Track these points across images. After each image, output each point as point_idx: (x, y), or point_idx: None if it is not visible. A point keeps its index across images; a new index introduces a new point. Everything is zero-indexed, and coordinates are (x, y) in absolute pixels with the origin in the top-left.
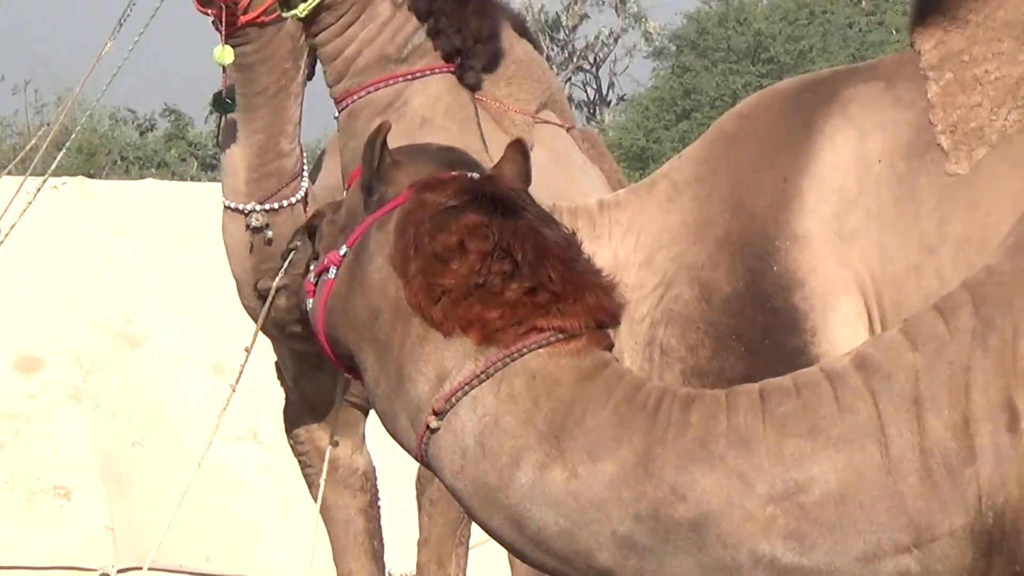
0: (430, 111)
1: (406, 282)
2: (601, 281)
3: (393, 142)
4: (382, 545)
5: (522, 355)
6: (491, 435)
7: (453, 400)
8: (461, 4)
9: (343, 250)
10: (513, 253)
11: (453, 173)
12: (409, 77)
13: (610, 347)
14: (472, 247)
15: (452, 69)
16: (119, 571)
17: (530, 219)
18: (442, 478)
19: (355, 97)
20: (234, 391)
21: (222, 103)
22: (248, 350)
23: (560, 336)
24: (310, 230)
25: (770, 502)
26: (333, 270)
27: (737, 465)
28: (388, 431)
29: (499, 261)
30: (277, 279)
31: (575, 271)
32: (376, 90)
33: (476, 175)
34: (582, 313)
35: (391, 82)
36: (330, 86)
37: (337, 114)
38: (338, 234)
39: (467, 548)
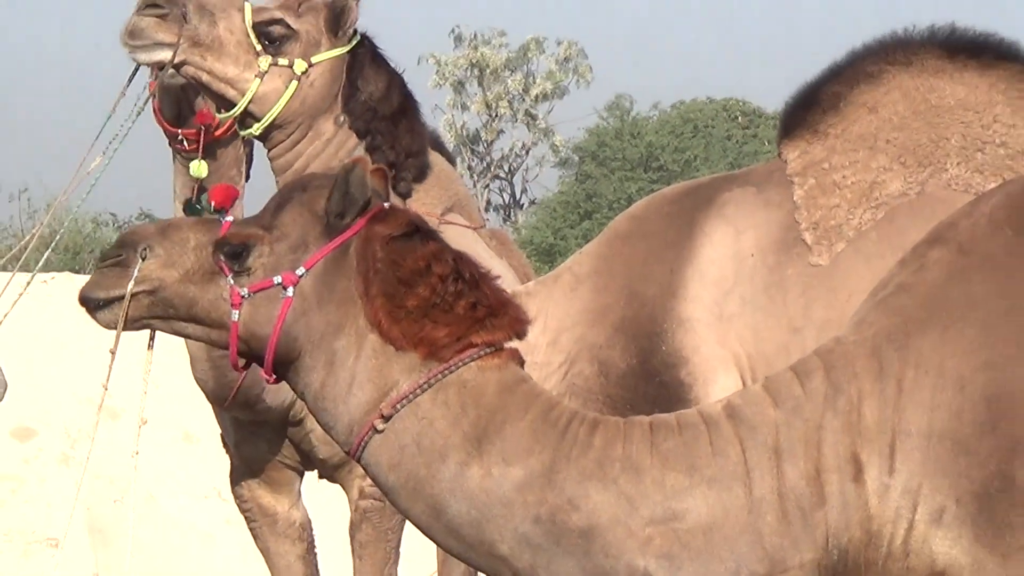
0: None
1: (368, 302)
2: (512, 297)
3: None
4: None
5: (458, 368)
6: (426, 435)
7: (398, 406)
8: (394, 124)
9: (300, 271)
10: (462, 274)
11: (393, 206)
12: None
13: (522, 363)
14: (436, 270)
15: (385, 176)
16: None
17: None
18: (375, 472)
19: None
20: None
21: (193, 208)
22: (113, 352)
23: (488, 350)
24: (230, 249)
25: (650, 524)
26: (290, 289)
27: (626, 489)
28: (326, 430)
29: (453, 282)
30: (129, 287)
31: (498, 288)
32: None
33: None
34: (506, 326)
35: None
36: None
37: None
38: (286, 256)
39: None
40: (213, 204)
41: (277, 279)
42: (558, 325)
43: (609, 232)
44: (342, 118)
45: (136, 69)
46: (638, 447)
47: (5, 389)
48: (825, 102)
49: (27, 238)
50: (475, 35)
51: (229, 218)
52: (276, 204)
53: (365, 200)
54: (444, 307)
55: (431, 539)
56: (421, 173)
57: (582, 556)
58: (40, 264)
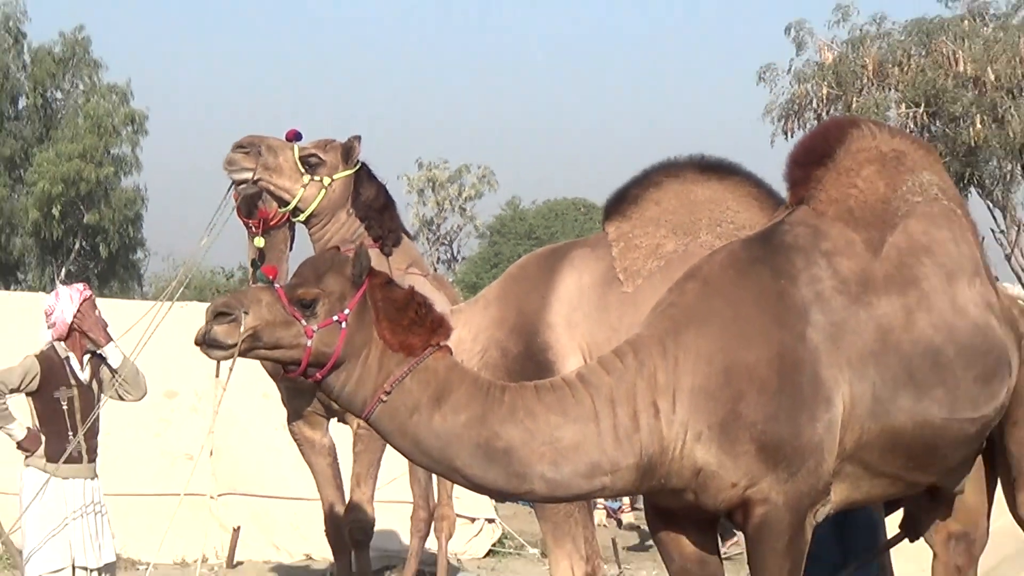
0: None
1: (378, 324)
2: (446, 315)
3: None
4: (342, 483)
5: (424, 359)
6: (409, 399)
7: (395, 383)
8: (381, 214)
9: (346, 311)
10: (424, 303)
11: (377, 268)
12: None
13: (451, 352)
14: (413, 302)
15: (377, 246)
16: None
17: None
18: (378, 425)
19: None
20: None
21: (255, 264)
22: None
23: (439, 347)
24: (305, 302)
25: (542, 445)
26: (343, 323)
27: (528, 425)
28: (345, 403)
29: (421, 309)
30: (240, 335)
31: (439, 311)
32: None
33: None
34: (446, 332)
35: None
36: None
37: None
38: (336, 304)
39: (375, 479)
40: (267, 275)
41: (335, 318)
42: (477, 328)
43: (506, 274)
44: (351, 211)
45: (231, 184)
46: (531, 400)
47: (144, 393)
48: (629, 199)
49: (172, 283)
50: (429, 162)
51: (277, 284)
52: (315, 272)
53: (369, 266)
54: (418, 323)
55: (410, 460)
56: (397, 241)
57: (506, 465)
58: (177, 295)
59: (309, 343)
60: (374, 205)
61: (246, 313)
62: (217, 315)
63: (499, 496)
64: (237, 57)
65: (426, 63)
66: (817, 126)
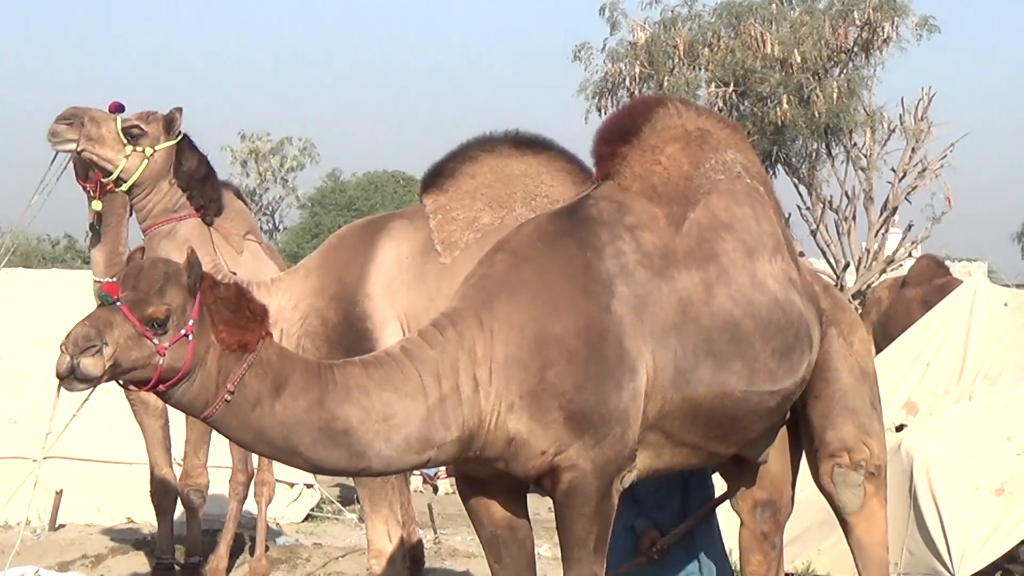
0: (189, 235)
1: (213, 327)
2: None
3: (170, 254)
4: (171, 446)
5: (259, 351)
6: (250, 393)
7: (236, 381)
8: (202, 183)
9: (191, 322)
10: (252, 298)
11: (205, 272)
12: (177, 219)
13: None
14: (244, 301)
15: (200, 215)
16: None
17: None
18: (220, 424)
19: (152, 230)
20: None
21: (94, 228)
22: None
23: (266, 336)
24: (157, 321)
25: (377, 422)
26: (191, 335)
27: (363, 403)
28: (184, 409)
29: (250, 305)
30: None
31: (257, 299)
32: (162, 225)
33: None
34: (268, 322)
35: (169, 222)
36: (140, 223)
37: (143, 237)
38: (181, 317)
39: (209, 444)
40: (110, 295)
41: (182, 332)
42: (298, 296)
43: (326, 244)
44: (173, 181)
45: (55, 155)
46: (362, 378)
47: None
48: (446, 172)
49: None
50: (252, 134)
51: (118, 303)
52: (153, 286)
53: (202, 272)
54: (250, 320)
55: (249, 450)
56: (219, 211)
57: (347, 447)
58: (3, 263)
59: (161, 361)
60: (196, 175)
61: (105, 343)
62: (82, 348)
63: (337, 475)
64: (55, 21)
65: (248, 33)
66: (625, 104)
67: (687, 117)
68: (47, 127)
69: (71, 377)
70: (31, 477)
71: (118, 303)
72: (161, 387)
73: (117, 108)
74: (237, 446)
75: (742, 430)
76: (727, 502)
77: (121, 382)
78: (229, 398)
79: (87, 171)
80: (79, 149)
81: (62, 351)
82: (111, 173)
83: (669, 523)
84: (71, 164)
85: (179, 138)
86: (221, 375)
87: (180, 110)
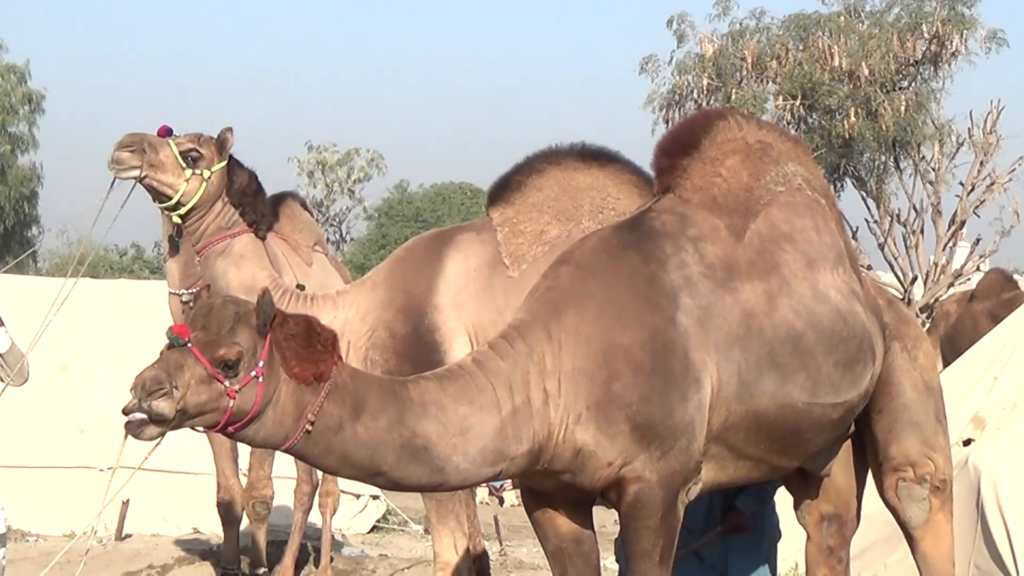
0: (244, 251)
1: (285, 365)
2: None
3: (227, 271)
4: (237, 456)
5: (334, 378)
6: (331, 420)
7: (316, 412)
8: (253, 199)
9: (261, 364)
10: (323, 331)
11: (279, 310)
12: (231, 236)
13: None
14: (314, 336)
15: (252, 230)
16: None
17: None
18: (305, 453)
19: (207, 249)
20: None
21: (173, 240)
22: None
23: (339, 362)
24: (228, 363)
25: (455, 436)
26: (261, 377)
27: (440, 418)
28: (263, 445)
29: (321, 338)
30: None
31: (327, 326)
32: (216, 244)
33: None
34: (339, 348)
35: (223, 240)
36: (193, 244)
37: (198, 258)
38: (251, 359)
39: (274, 456)
40: (181, 337)
41: (252, 374)
42: (366, 309)
43: (394, 256)
44: (225, 199)
45: (113, 181)
46: (437, 393)
47: (26, 380)
48: (513, 185)
49: (73, 262)
50: (319, 145)
51: (189, 344)
52: (223, 326)
53: (274, 313)
54: (322, 352)
55: (333, 474)
56: (270, 225)
57: (428, 462)
58: (81, 273)
59: (231, 404)
60: (247, 191)
61: (175, 387)
62: (151, 392)
63: (416, 491)
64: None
65: (316, 47)
66: (686, 117)
67: (748, 130)
68: (109, 154)
69: (142, 423)
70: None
71: (189, 344)
72: (231, 429)
73: (167, 132)
74: None
75: (805, 443)
76: (793, 515)
77: (191, 426)
78: (310, 428)
79: None
80: (142, 175)
81: (132, 395)
82: (171, 198)
83: (696, 526)
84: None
85: (228, 157)
86: (299, 407)
87: (231, 130)
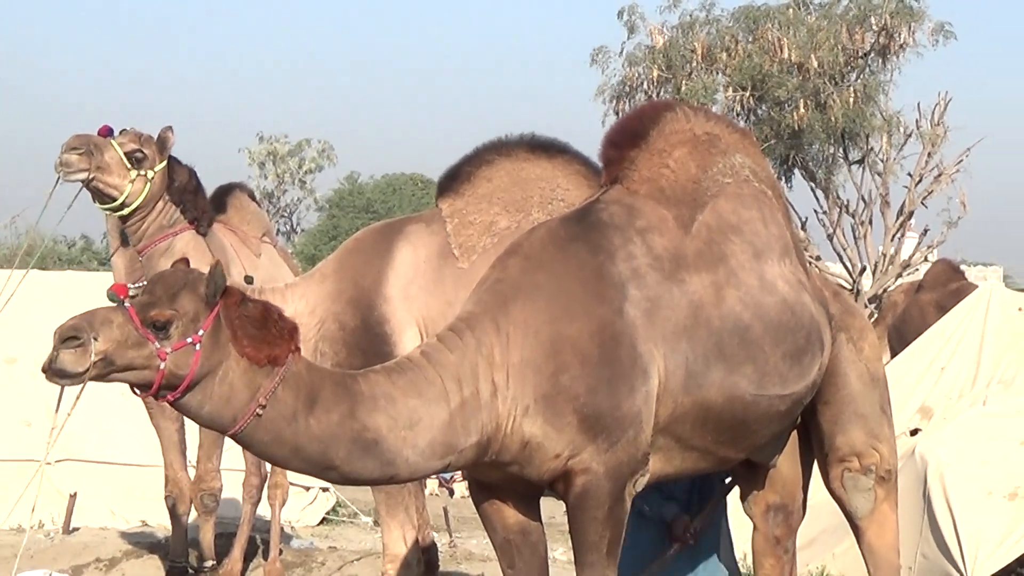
0: (186, 249)
1: (236, 343)
2: (292, 319)
3: (167, 265)
4: (186, 449)
5: (289, 365)
6: (284, 408)
7: (268, 396)
8: (193, 196)
9: (200, 332)
10: (280, 315)
11: (231, 285)
12: (173, 235)
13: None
14: (271, 318)
15: (193, 228)
16: None
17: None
18: (251, 441)
19: (149, 249)
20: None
21: (125, 234)
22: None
23: (295, 351)
24: (158, 324)
25: (404, 429)
26: (198, 345)
27: (389, 411)
28: (209, 424)
29: (279, 321)
30: (91, 360)
31: (287, 315)
32: (159, 243)
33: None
34: (298, 338)
35: (165, 239)
36: (135, 244)
37: (141, 258)
38: (190, 325)
39: (222, 448)
40: (117, 294)
41: (189, 340)
42: (315, 301)
43: (343, 248)
44: (167, 198)
45: (57, 181)
46: (387, 386)
47: None
48: (463, 176)
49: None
50: (270, 136)
51: (128, 304)
52: (168, 292)
53: (224, 285)
54: (277, 336)
55: (283, 467)
56: (211, 222)
57: (378, 456)
58: (31, 264)
59: (162, 365)
60: (188, 189)
61: (96, 338)
62: (65, 339)
63: (366, 485)
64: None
65: (267, 35)
66: (634, 109)
67: (695, 121)
68: (56, 158)
69: (50, 371)
70: (39, 479)
71: (125, 303)
72: (169, 396)
73: (108, 132)
74: None
75: (752, 434)
76: (740, 506)
77: (136, 390)
78: (261, 412)
79: None
80: (89, 178)
81: (53, 343)
82: (115, 199)
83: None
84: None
85: (168, 156)
86: (250, 389)
87: (171, 129)
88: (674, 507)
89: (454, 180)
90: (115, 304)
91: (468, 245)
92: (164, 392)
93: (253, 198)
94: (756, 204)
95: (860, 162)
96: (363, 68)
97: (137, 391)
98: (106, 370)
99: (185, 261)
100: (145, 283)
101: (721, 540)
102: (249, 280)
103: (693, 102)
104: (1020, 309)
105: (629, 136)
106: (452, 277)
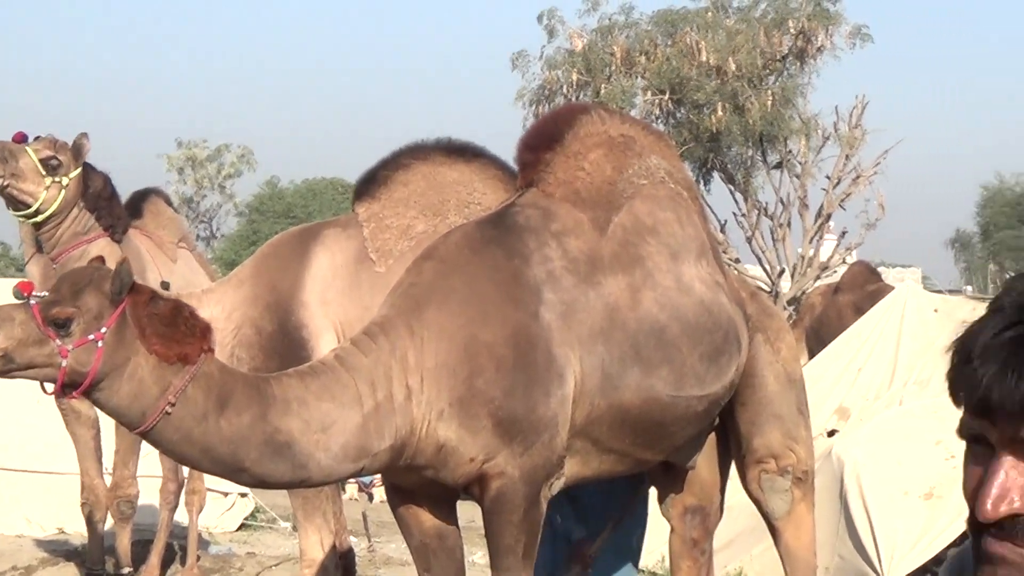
0: (101, 256)
1: (144, 340)
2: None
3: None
4: (102, 456)
5: (201, 365)
6: (194, 407)
7: (178, 394)
8: (108, 202)
9: (103, 330)
10: (191, 313)
11: (138, 283)
12: (87, 242)
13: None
14: (181, 315)
15: (108, 234)
16: None
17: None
18: (160, 439)
19: (63, 256)
20: None
21: (39, 242)
22: None
23: (208, 352)
24: (59, 322)
25: (317, 433)
26: (100, 342)
27: (302, 415)
28: (119, 419)
29: (190, 319)
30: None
31: (201, 315)
32: (72, 251)
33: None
34: (212, 337)
35: (79, 246)
36: (48, 252)
37: (55, 265)
38: (92, 323)
39: (138, 455)
40: (22, 292)
41: (91, 337)
42: (231, 307)
43: (259, 253)
44: (81, 204)
45: None
46: (299, 390)
47: None
48: (379, 180)
49: None
50: (189, 141)
51: (33, 301)
52: (73, 289)
53: (130, 282)
54: (187, 334)
55: (192, 467)
56: (126, 228)
57: (290, 458)
58: None
59: (64, 363)
60: (103, 196)
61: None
62: None
63: (278, 488)
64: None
65: (186, 39)
66: (549, 112)
67: (611, 124)
68: None
69: None
70: None
71: (30, 301)
72: (75, 392)
73: (23, 139)
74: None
75: (670, 436)
76: (658, 508)
77: (45, 388)
78: (170, 410)
79: None
80: (3, 185)
81: None
82: (29, 206)
83: (597, 526)
84: None
85: (82, 163)
86: (159, 386)
87: (86, 135)
88: (583, 530)
89: (370, 184)
90: (20, 302)
91: (385, 249)
92: (69, 389)
93: (169, 203)
94: (672, 206)
95: (779, 165)
96: (283, 72)
97: (45, 389)
98: (7, 367)
99: (100, 259)
100: (57, 278)
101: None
102: (165, 286)
103: (612, 105)
104: (936, 311)
105: (544, 139)
106: (369, 281)
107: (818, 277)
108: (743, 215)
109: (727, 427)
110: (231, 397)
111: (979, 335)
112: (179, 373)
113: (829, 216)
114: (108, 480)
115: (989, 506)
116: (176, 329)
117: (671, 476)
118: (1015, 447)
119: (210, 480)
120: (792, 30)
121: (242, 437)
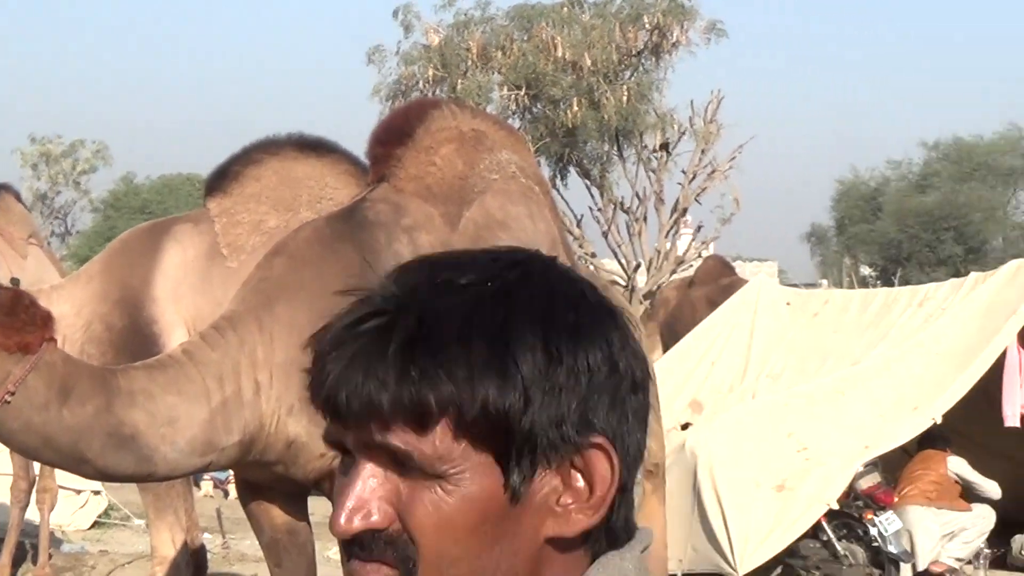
0: None
1: None
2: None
3: None
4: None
5: (42, 354)
6: (35, 398)
7: (18, 383)
8: None
9: None
10: (32, 303)
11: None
12: None
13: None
14: (21, 304)
15: None
16: None
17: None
18: (6, 426)
19: None
20: None
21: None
22: None
23: (50, 341)
24: None
25: (163, 426)
26: None
27: (149, 408)
28: None
29: (31, 308)
30: None
31: (42, 305)
32: None
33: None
34: (53, 327)
35: None
36: None
37: None
38: None
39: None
40: None
41: None
42: (80, 303)
43: (109, 249)
44: None
45: None
46: (146, 383)
47: None
48: (230, 175)
49: None
50: (43, 137)
51: None
52: None
53: None
54: (27, 323)
55: (33, 458)
56: None
57: (135, 451)
58: None
59: None
60: None
61: None
62: None
63: (124, 481)
64: None
65: (39, 37)
66: (399, 107)
67: (462, 119)
68: None
69: None
70: None
71: None
72: None
73: None
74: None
75: None
76: None
77: None
78: (10, 399)
79: None
80: None
81: None
82: None
83: None
84: None
85: None
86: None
87: None
88: None
89: (222, 179)
90: None
91: (237, 244)
92: None
93: (19, 199)
94: (523, 200)
95: (664, 147)
96: (139, 68)
97: None
98: None
99: None
100: None
101: None
102: (15, 282)
103: (469, 101)
104: (788, 304)
105: (395, 134)
106: (221, 276)
107: (674, 271)
108: (599, 210)
109: None
110: (75, 387)
111: (334, 325)
112: (20, 362)
113: (685, 211)
114: None
115: (342, 520)
116: (16, 318)
117: None
118: (372, 453)
119: (63, 477)
120: (647, 25)
121: (85, 428)
